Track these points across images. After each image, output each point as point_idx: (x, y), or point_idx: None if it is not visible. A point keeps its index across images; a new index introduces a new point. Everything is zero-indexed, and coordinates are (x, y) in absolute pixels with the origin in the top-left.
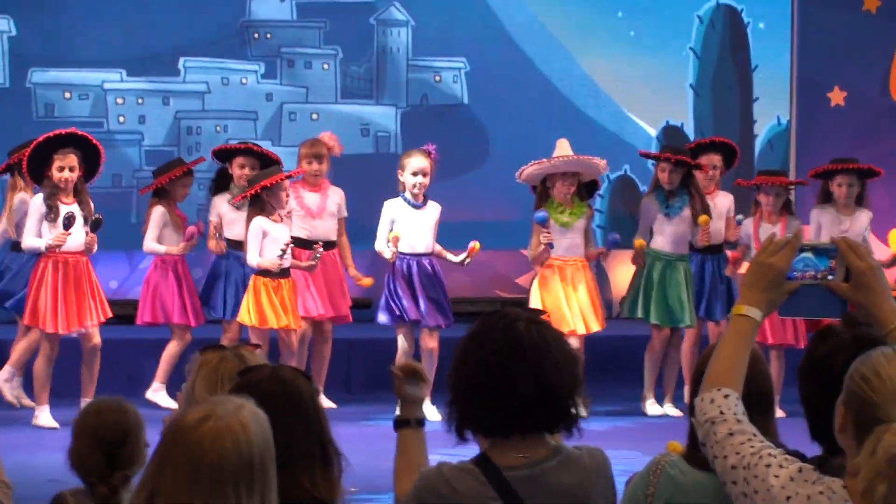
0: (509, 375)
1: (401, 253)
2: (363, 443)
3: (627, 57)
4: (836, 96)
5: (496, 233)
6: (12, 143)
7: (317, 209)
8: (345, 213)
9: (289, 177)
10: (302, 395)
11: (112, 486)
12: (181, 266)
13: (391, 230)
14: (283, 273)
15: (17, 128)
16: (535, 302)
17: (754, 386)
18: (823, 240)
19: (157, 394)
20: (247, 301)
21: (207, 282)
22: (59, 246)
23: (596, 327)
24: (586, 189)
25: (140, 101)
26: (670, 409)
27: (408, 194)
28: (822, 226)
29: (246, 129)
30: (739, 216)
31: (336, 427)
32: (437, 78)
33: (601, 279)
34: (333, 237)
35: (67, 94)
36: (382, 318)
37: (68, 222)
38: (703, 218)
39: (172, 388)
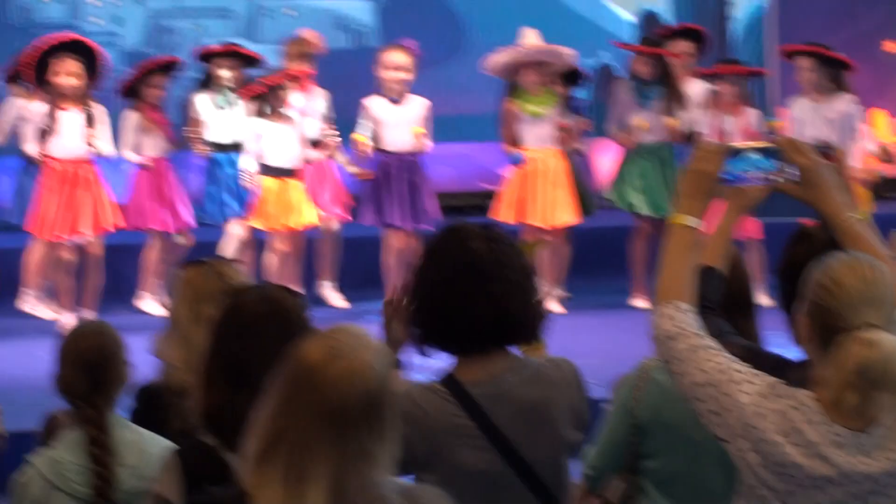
0: (463, 294)
1: (380, 150)
2: None
3: None
4: None
5: (478, 125)
6: None
7: (303, 108)
8: (333, 115)
9: (293, 77)
10: (290, 315)
11: (97, 407)
12: (161, 171)
13: (367, 129)
14: (290, 172)
15: None
16: (505, 195)
17: (734, 287)
18: (806, 133)
19: (144, 302)
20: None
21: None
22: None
23: (570, 219)
24: (570, 79)
25: (117, 2)
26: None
27: (391, 91)
28: (797, 117)
29: (224, 28)
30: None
31: None
32: None
33: (586, 169)
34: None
35: None
36: (364, 218)
37: (90, 119)
38: (669, 121)
39: None
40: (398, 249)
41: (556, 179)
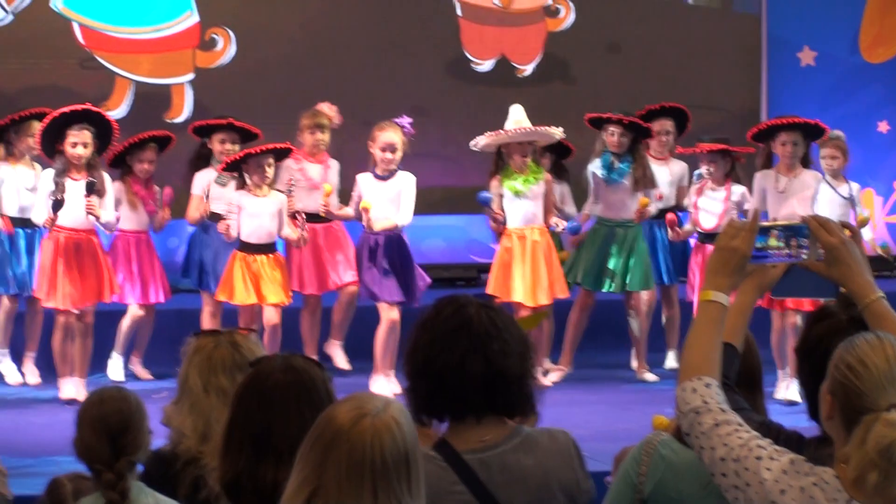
0: (458, 360)
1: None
2: None
3: None
4: (806, 56)
5: (469, 198)
6: None
7: (319, 180)
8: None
9: (273, 150)
10: (316, 385)
11: (118, 471)
12: (139, 245)
13: (359, 203)
14: (264, 248)
15: None
16: (493, 274)
17: (744, 364)
18: (769, 208)
19: (111, 363)
20: (224, 276)
21: (187, 253)
22: (58, 206)
23: (561, 294)
24: (558, 154)
25: None
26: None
27: (378, 169)
28: (765, 191)
29: None
30: (699, 170)
31: None
32: None
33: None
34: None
35: None
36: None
37: (90, 187)
38: (642, 200)
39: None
40: (390, 322)
41: (538, 257)
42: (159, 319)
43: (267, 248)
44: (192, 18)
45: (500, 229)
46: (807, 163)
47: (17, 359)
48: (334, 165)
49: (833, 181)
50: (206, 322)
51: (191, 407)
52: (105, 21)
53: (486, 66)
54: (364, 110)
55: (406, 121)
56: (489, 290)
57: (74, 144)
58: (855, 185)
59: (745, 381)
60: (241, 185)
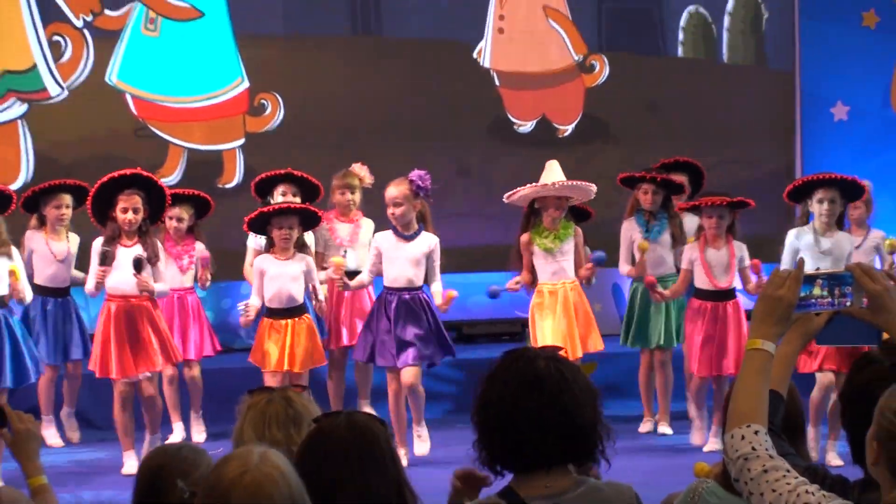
0: (532, 412)
1: (386, 287)
2: None
3: None
4: (840, 111)
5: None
6: None
7: (349, 239)
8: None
9: (295, 211)
10: (377, 439)
11: None
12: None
13: (375, 262)
14: (289, 312)
15: None
16: (534, 332)
17: (790, 410)
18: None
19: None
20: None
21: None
22: (149, 291)
23: (594, 349)
24: (575, 216)
25: None
26: (665, 429)
27: (398, 226)
28: (798, 249)
29: None
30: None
31: None
32: None
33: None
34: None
35: None
36: (357, 354)
37: (137, 264)
38: (641, 244)
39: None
40: (403, 386)
41: (570, 311)
42: (213, 378)
43: (292, 312)
44: (241, 85)
45: (525, 280)
46: (842, 223)
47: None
48: (366, 225)
49: (857, 230)
50: (268, 381)
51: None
52: (158, 92)
53: (527, 126)
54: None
55: (416, 174)
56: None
57: (125, 210)
58: (879, 233)
59: (788, 428)
60: (270, 248)
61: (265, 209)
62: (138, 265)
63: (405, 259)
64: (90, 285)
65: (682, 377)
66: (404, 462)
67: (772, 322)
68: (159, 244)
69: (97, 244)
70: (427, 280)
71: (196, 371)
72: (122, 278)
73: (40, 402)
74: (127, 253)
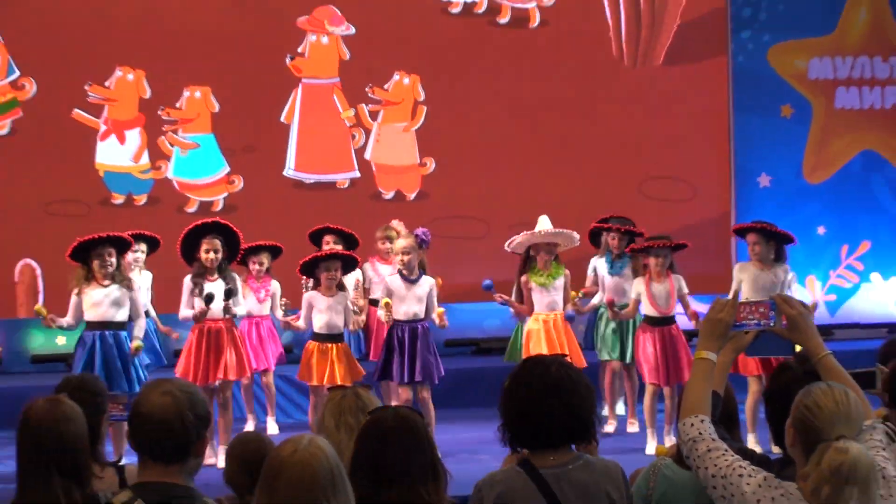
0: (547, 407)
1: (396, 320)
2: None
3: None
4: (764, 180)
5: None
6: None
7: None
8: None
9: (339, 257)
10: (417, 427)
11: (254, 494)
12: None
13: (384, 299)
14: (332, 338)
15: None
16: (527, 352)
17: (725, 406)
18: (743, 293)
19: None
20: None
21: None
22: (200, 317)
23: (580, 364)
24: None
25: None
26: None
27: (405, 270)
28: (742, 280)
29: None
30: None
31: None
32: None
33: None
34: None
35: None
36: (376, 375)
37: (209, 299)
38: (573, 295)
39: None
40: (420, 398)
41: (562, 336)
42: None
43: (335, 339)
44: None
45: (520, 310)
46: (779, 258)
47: None
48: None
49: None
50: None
51: (326, 439)
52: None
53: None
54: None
55: (421, 230)
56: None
57: (207, 251)
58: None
59: (727, 418)
60: (316, 286)
61: (318, 254)
62: (229, 294)
63: (412, 297)
64: (189, 314)
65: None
66: None
67: (714, 338)
68: (238, 278)
69: (188, 280)
70: (427, 314)
71: (270, 379)
72: (210, 306)
73: None
74: (211, 287)
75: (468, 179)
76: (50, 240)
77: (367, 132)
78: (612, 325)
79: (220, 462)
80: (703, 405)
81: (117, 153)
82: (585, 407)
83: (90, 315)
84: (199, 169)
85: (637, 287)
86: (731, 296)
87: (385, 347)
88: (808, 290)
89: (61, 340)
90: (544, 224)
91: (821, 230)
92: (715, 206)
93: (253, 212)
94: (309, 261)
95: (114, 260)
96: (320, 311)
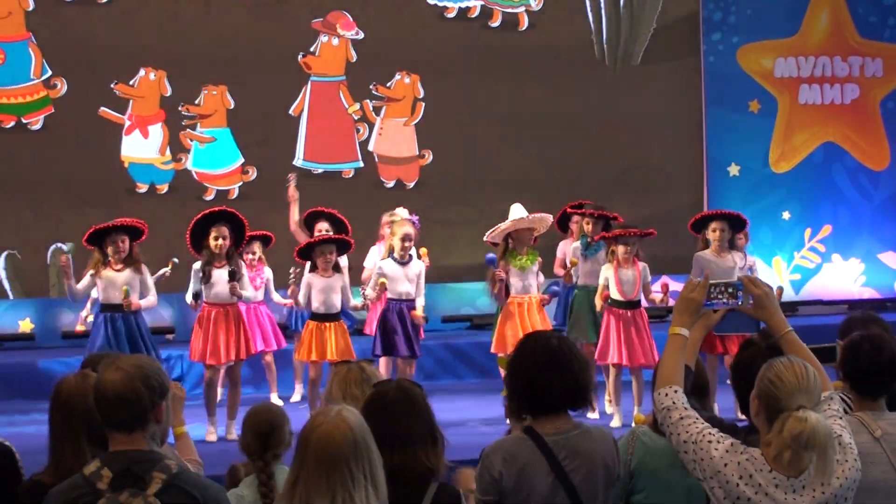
0: (548, 377)
1: (391, 298)
2: None
3: None
4: (734, 169)
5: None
6: None
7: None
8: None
9: (335, 241)
10: (417, 398)
11: (266, 461)
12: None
13: (380, 279)
14: (331, 317)
15: None
16: (497, 330)
17: (697, 379)
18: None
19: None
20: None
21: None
22: (238, 296)
23: None
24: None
25: None
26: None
27: (396, 254)
28: (704, 267)
29: None
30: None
31: None
32: None
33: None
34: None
35: None
36: (378, 350)
37: (233, 275)
38: (573, 260)
39: None
40: (401, 372)
41: (534, 316)
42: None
43: (332, 318)
44: None
45: (500, 288)
46: (733, 245)
47: None
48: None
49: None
50: (310, 369)
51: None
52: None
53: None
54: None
55: (415, 218)
56: (494, 345)
57: (216, 238)
58: (752, 259)
59: (698, 389)
60: (314, 269)
61: (313, 240)
62: (233, 275)
63: (404, 278)
64: (190, 299)
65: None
66: None
67: (686, 315)
68: (242, 264)
69: (196, 266)
70: (415, 294)
71: (270, 358)
72: (218, 290)
73: None
74: (219, 273)
75: (462, 169)
76: (79, 226)
77: (371, 126)
78: (585, 307)
79: (232, 433)
80: (676, 377)
81: (141, 146)
82: (583, 375)
83: (104, 297)
84: (217, 160)
85: (605, 272)
86: (703, 278)
87: (381, 326)
88: (773, 272)
89: (91, 318)
90: (520, 211)
91: (786, 215)
92: (689, 194)
93: (265, 199)
94: (305, 246)
95: (126, 246)
96: (318, 291)
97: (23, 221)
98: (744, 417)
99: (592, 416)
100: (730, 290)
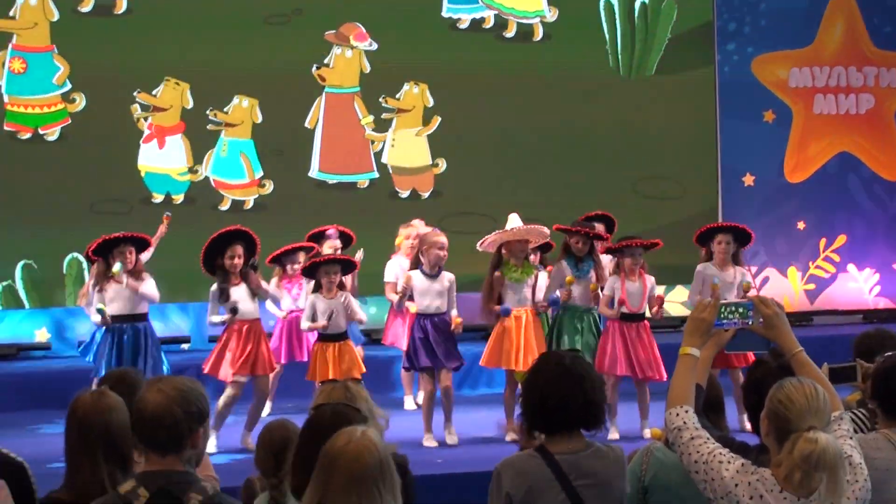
0: (563, 396)
1: (420, 314)
2: None
3: None
4: (748, 179)
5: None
6: None
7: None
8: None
9: (339, 261)
10: (353, 423)
11: (279, 477)
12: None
13: (404, 296)
14: (336, 337)
15: None
16: (494, 344)
17: (710, 396)
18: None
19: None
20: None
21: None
22: (231, 322)
23: None
24: (541, 248)
25: None
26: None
27: (427, 267)
28: (705, 280)
29: None
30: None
31: None
32: None
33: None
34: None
35: None
36: (405, 364)
37: (234, 310)
38: (569, 279)
39: None
40: (436, 387)
41: (530, 331)
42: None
43: (337, 338)
44: None
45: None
46: (737, 260)
47: None
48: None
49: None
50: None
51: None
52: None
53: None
54: None
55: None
56: (484, 358)
57: (231, 257)
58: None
59: (711, 407)
60: (317, 289)
61: (316, 259)
62: (234, 311)
63: (435, 292)
64: (215, 320)
65: None
66: (434, 443)
67: (697, 335)
68: (262, 281)
69: (214, 288)
70: (447, 307)
71: (278, 370)
72: (238, 307)
73: None
74: (237, 290)
75: (477, 178)
76: (95, 236)
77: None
78: (576, 323)
79: (248, 443)
80: (687, 396)
81: (157, 156)
82: (596, 396)
83: (112, 309)
84: (236, 171)
85: (612, 282)
86: (712, 298)
87: (411, 340)
88: (788, 283)
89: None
90: (515, 222)
91: (801, 225)
92: (703, 204)
93: (281, 210)
94: (309, 266)
95: (133, 257)
96: (322, 313)
97: (39, 232)
98: (749, 430)
99: (613, 436)
100: (740, 310)
